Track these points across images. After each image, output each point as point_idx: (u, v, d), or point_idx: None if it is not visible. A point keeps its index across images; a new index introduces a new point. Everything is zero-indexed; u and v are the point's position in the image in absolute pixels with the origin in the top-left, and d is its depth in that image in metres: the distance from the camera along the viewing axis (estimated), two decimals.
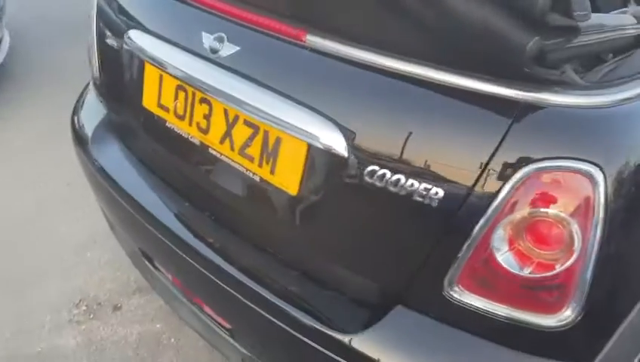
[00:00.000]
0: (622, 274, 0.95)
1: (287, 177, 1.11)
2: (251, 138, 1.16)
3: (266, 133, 1.13)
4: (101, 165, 1.52)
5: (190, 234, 1.31)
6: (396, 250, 1.01)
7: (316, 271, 1.16)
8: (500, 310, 0.95)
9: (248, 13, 1.14)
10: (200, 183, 1.35)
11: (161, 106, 1.35)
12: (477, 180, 0.89)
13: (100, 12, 1.52)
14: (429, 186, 0.92)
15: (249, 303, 1.17)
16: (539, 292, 0.93)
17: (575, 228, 0.87)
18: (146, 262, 1.55)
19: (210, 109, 1.23)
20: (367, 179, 0.98)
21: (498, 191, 0.88)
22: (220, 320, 1.33)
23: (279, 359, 1.29)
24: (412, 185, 0.94)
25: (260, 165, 1.15)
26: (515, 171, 0.87)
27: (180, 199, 1.40)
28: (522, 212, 0.88)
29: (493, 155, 0.88)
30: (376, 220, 1.02)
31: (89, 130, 1.61)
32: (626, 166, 0.87)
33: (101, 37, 1.53)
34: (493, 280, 0.94)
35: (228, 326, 1.32)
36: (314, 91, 1.06)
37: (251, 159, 1.17)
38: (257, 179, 1.17)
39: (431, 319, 1.01)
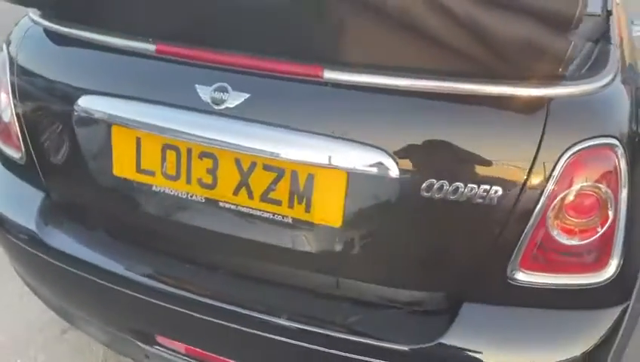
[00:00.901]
0: None
1: (328, 211, 1.11)
2: (275, 182, 1.13)
3: (293, 173, 1.11)
4: (68, 253, 1.34)
5: (209, 295, 1.23)
6: (459, 254, 1.09)
7: (369, 295, 1.18)
8: (558, 279, 1.08)
9: (251, 59, 1.11)
10: (207, 240, 1.27)
11: (141, 171, 1.24)
12: (529, 172, 1.01)
13: (22, 73, 1.34)
14: (488, 187, 1.01)
15: (313, 347, 1.15)
16: (587, 256, 1.08)
17: (609, 194, 1.04)
18: (140, 343, 1.40)
19: (216, 162, 1.17)
20: (423, 193, 1.03)
21: (548, 178, 1.01)
22: None
23: None
24: (472, 189, 1.02)
25: (291, 206, 1.13)
26: (559, 157, 1.00)
27: (179, 263, 1.30)
28: (571, 190, 1.02)
29: (539, 148, 1.00)
30: (436, 230, 1.08)
31: (28, 218, 1.40)
32: (633, 134, 1.06)
33: (26, 106, 1.35)
34: (550, 256, 1.06)
35: None
36: (343, 122, 1.07)
37: (278, 203, 1.14)
38: (290, 220, 1.14)
39: (498, 306, 1.11)
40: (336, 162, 1.07)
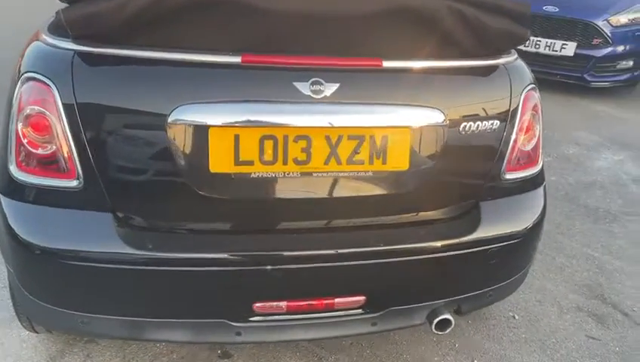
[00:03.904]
0: None
1: (398, 159, 1.56)
2: (358, 147, 1.52)
3: (372, 137, 1.52)
4: (162, 257, 1.45)
5: (310, 248, 1.53)
6: (481, 169, 1.66)
7: (427, 215, 1.67)
8: (523, 173, 1.75)
9: (332, 59, 1.48)
10: (301, 207, 1.56)
11: (240, 163, 1.46)
12: (509, 107, 1.64)
13: (86, 100, 1.40)
14: (492, 120, 1.61)
15: (398, 260, 1.57)
16: (528, 158, 1.78)
17: (539, 117, 1.75)
18: (233, 322, 1.56)
19: (309, 142, 1.49)
20: (461, 132, 1.58)
21: (516, 108, 1.66)
22: (352, 301, 1.62)
23: (405, 290, 1.69)
24: (484, 124, 1.60)
25: (371, 163, 1.54)
26: (520, 95, 1.67)
27: (276, 234, 1.55)
28: (526, 114, 1.69)
29: (511, 91, 1.65)
30: (468, 155, 1.63)
31: (109, 241, 1.45)
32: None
33: (93, 130, 1.41)
34: (518, 160, 1.72)
35: (362, 300, 1.62)
36: (402, 93, 1.54)
37: (361, 163, 1.53)
38: (370, 174, 1.55)
39: (496, 199, 1.72)
40: (402, 122, 1.54)
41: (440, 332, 1.77)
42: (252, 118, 1.45)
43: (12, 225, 1.46)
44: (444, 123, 1.56)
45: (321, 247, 1.55)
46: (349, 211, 1.62)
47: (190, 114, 1.42)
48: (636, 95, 5.93)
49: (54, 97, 1.40)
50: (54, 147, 1.43)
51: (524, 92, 1.69)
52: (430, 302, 1.72)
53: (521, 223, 1.75)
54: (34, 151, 1.44)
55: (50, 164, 1.45)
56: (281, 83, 1.46)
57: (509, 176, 1.72)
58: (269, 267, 1.49)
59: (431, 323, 1.74)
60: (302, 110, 1.47)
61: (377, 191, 1.59)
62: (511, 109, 1.66)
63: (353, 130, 1.51)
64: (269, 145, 1.47)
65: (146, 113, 1.42)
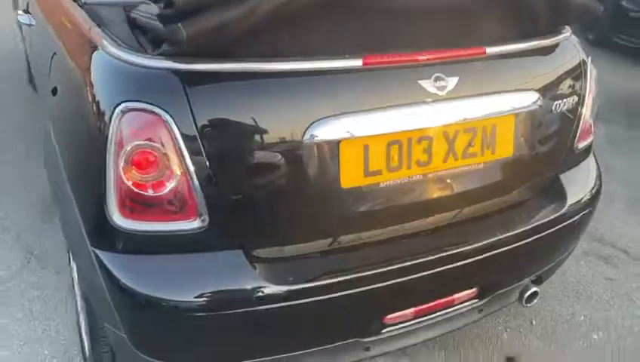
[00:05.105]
0: None
1: (504, 147, 1.54)
2: (471, 139, 1.47)
3: (484, 128, 1.48)
4: (307, 286, 1.32)
5: (430, 251, 1.47)
6: (565, 142, 1.69)
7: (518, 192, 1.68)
8: (587, 141, 1.82)
9: (445, 52, 1.40)
10: (422, 210, 1.49)
11: (369, 174, 1.36)
12: (582, 80, 1.68)
13: (210, 129, 1.22)
14: (573, 95, 1.64)
15: (508, 247, 1.57)
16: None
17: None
18: (364, 338, 1.48)
19: (430, 141, 1.41)
20: (552, 110, 1.59)
21: (587, 78, 1.70)
22: (467, 295, 1.60)
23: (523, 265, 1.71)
24: (568, 100, 1.62)
25: (483, 154, 1.51)
26: (587, 66, 1.71)
27: (399, 241, 1.48)
28: (593, 83, 1.75)
29: (582, 64, 1.68)
30: (554, 131, 1.64)
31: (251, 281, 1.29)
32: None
33: (220, 162, 1.23)
34: (589, 127, 1.78)
35: (475, 292, 1.61)
36: (505, 80, 1.52)
37: (474, 155, 1.49)
38: (481, 165, 1.52)
39: (571, 169, 1.77)
40: (508, 108, 1.52)
41: (529, 305, 1.83)
42: (381, 126, 1.35)
43: (128, 284, 1.23)
44: (540, 103, 1.56)
45: (446, 247, 1.50)
46: (463, 206, 1.58)
47: (322, 129, 1.28)
48: None
49: (169, 128, 1.19)
50: (171, 185, 1.22)
51: (589, 63, 1.74)
52: (525, 280, 1.76)
53: (592, 188, 1.82)
54: (144, 193, 1.22)
55: (167, 205, 1.24)
56: (405, 83, 1.36)
57: (579, 145, 1.78)
58: (405, 278, 1.43)
59: (522, 298, 1.79)
60: (428, 110, 1.38)
61: (486, 181, 1.57)
62: (583, 82, 1.70)
63: (469, 123, 1.46)
64: (395, 150, 1.38)
65: (278, 134, 1.26)
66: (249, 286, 1.28)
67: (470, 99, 1.45)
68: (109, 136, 1.21)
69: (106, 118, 1.21)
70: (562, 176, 1.76)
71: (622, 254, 2.64)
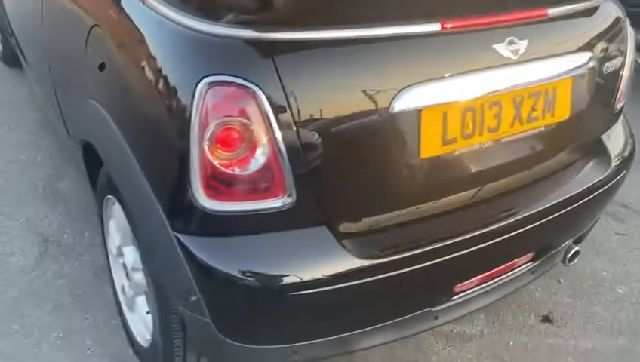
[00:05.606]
0: None
1: (562, 110, 1.54)
2: (535, 103, 1.47)
3: (545, 92, 1.48)
4: (394, 258, 1.30)
5: (497, 219, 1.47)
6: (607, 103, 1.70)
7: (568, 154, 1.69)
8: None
9: (514, 14, 1.38)
10: (491, 177, 1.48)
11: (446, 142, 1.34)
12: (624, 40, 1.69)
13: (298, 99, 1.15)
14: (618, 57, 1.65)
15: (564, 211, 1.59)
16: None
17: None
18: (434, 308, 1.48)
19: (500, 107, 1.40)
20: (602, 71, 1.59)
21: (627, 38, 1.71)
22: (525, 259, 1.62)
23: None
24: (614, 61, 1.63)
25: (544, 118, 1.50)
26: (627, 27, 1.72)
27: (470, 209, 1.46)
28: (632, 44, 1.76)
29: (622, 25, 1.69)
30: (602, 92, 1.65)
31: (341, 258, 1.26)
32: None
33: (309, 134, 1.18)
34: (626, 87, 1.81)
35: (532, 255, 1.63)
36: (565, 42, 1.51)
37: (536, 119, 1.49)
38: (542, 128, 1.51)
39: (610, 129, 1.80)
40: (567, 70, 1.51)
41: (570, 264, 1.87)
42: (459, 92, 1.32)
43: (218, 268, 1.18)
44: (593, 64, 1.57)
45: (514, 212, 1.50)
46: (524, 170, 1.58)
47: (407, 97, 1.24)
48: None
49: (260, 102, 1.12)
50: (259, 163, 1.16)
51: (628, 24, 1.75)
52: (570, 241, 1.79)
53: (631, 147, 1.86)
54: (231, 172, 1.16)
55: (255, 183, 1.18)
56: (481, 47, 1.34)
57: (618, 105, 1.80)
58: (479, 245, 1.42)
59: (565, 258, 1.83)
60: (502, 74, 1.37)
61: (544, 145, 1.57)
62: (625, 42, 1.72)
63: (534, 87, 1.45)
64: (469, 117, 1.36)
65: (365, 104, 1.22)
66: (338, 263, 1.25)
67: (537, 62, 1.44)
68: (192, 113, 1.13)
69: (186, 94, 1.14)
70: (603, 137, 1.79)
71: (622, 208, 2.73)
